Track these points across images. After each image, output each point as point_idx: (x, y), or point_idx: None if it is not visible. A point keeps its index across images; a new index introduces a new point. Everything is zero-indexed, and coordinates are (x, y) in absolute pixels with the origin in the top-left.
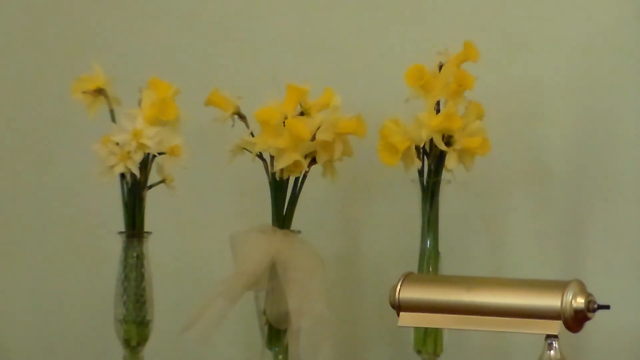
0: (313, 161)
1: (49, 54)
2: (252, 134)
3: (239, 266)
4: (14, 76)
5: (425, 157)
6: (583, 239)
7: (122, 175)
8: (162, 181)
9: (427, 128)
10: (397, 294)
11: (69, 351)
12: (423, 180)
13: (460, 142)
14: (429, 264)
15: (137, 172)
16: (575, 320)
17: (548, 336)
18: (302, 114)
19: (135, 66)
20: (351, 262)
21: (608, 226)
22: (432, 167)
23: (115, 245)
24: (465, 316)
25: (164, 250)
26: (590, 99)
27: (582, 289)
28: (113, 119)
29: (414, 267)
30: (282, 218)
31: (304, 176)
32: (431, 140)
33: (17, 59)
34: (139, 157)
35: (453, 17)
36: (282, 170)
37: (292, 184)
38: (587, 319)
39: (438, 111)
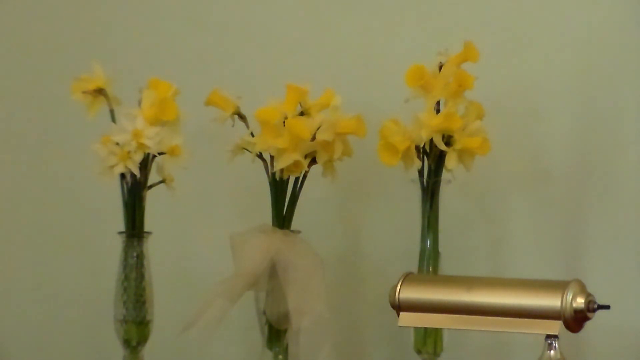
0: (313, 161)
1: (49, 54)
2: (252, 134)
3: (239, 266)
4: (14, 76)
5: (425, 157)
6: (583, 239)
7: (122, 175)
8: (162, 181)
9: (427, 128)
10: (397, 294)
11: (69, 351)
12: (423, 180)
13: (460, 142)
14: (429, 264)
15: (137, 172)
16: (575, 320)
17: (548, 336)
18: (302, 114)
19: (135, 66)
20: (351, 262)
21: (608, 226)
22: (432, 167)
23: (115, 245)
24: (465, 316)
25: (164, 250)
26: (590, 98)
27: (582, 289)
28: (113, 119)
29: (414, 267)
30: (282, 218)
31: (304, 176)
32: (431, 140)
33: (17, 59)
34: (139, 157)
35: (453, 17)
36: (282, 170)
37: (292, 184)
38: (587, 319)
39: (438, 111)
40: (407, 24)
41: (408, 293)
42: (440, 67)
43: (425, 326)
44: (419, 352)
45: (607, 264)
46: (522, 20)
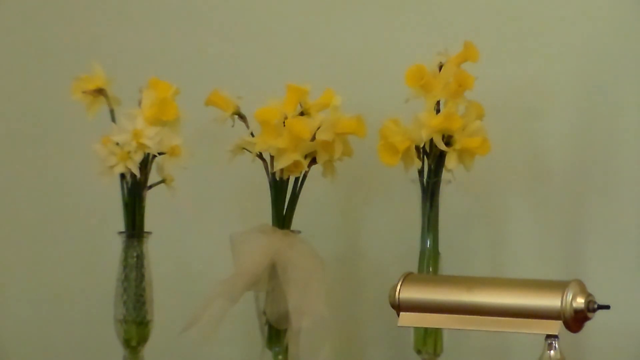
0: (313, 161)
1: (49, 54)
2: (252, 134)
3: (239, 266)
4: (14, 76)
5: (425, 157)
6: (583, 238)
7: (122, 175)
8: (162, 181)
9: (427, 128)
10: (397, 294)
11: (69, 351)
12: (423, 180)
13: (460, 142)
14: (429, 264)
15: (137, 172)
16: (575, 320)
17: (548, 336)
18: (302, 114)
19: (135, 66)
20: (351, 262)
21: (608, 226)
22: (432, 167)
23: (115, 245)
24: (465, 316)
25: (164, 250)
26: (590, 98)
27: (582, 289)
28: (113, 119)
29: (414, 267)
30: (282, 218)
31: (304, 176)
32: (431, 140)
33: (17, 59)
34: (139, 157)
35: (453, 17)
36: (282, 170)
37: (292, 184)
38: (587, 319)
39: (438, 111)
40: (407, 24)
41: (408, 293)
42: (440, 67)
43: (425, 326)
44: (419, 352)
45: (607, 264)
46: (522, 20)
